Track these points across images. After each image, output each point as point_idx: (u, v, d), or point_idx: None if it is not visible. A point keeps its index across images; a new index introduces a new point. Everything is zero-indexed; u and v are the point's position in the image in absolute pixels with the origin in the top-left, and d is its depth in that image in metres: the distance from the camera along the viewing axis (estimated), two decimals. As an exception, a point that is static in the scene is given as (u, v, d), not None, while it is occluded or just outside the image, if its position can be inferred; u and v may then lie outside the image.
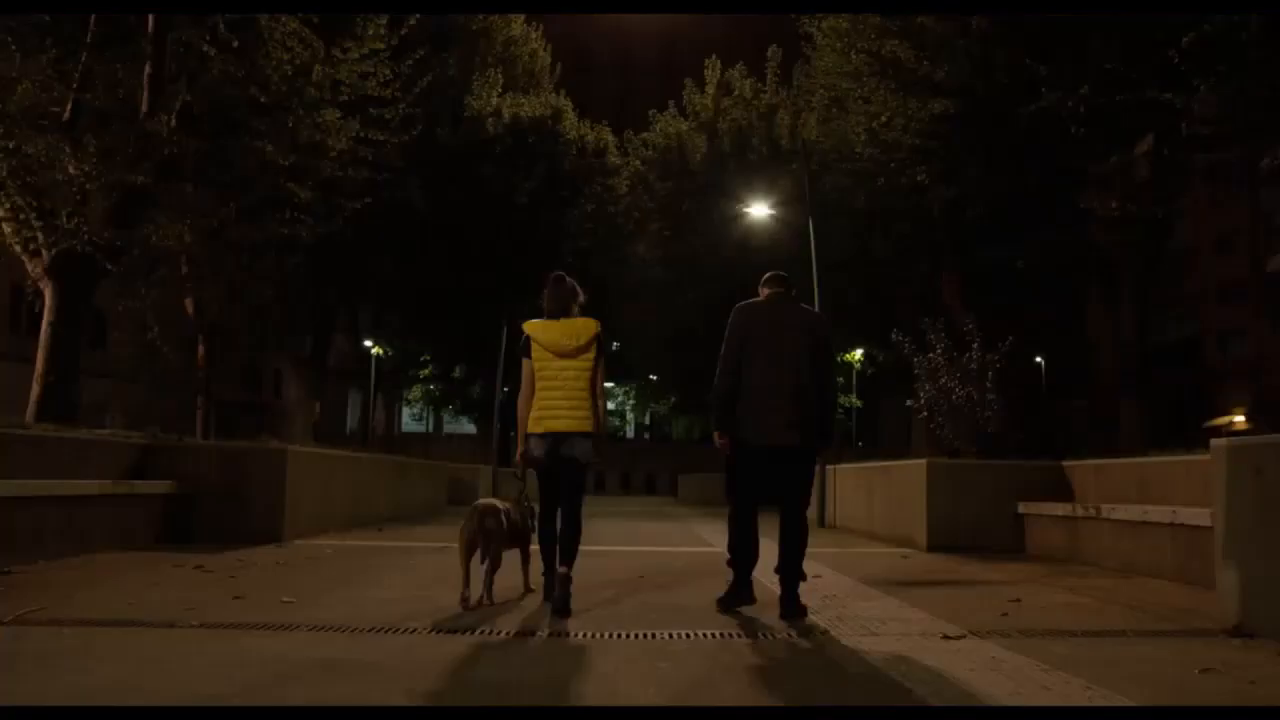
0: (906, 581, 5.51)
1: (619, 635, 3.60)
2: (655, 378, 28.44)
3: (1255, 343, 32.05)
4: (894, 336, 9.40)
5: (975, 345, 8.63)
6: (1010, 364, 9.35)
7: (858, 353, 23.99)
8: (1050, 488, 7.63)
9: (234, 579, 5.05)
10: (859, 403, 26.88)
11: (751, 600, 4.24)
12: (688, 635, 3.60)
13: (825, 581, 5.36)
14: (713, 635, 3.64)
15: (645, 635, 3.59)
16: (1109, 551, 6.23)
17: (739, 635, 3.66)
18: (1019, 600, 4.58)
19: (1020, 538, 7.59)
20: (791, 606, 4.01)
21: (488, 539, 4.25)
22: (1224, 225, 33.36)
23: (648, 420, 50.70)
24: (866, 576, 5.67)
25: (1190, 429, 27.03)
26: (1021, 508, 7.53)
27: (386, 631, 3.58)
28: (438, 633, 3.59)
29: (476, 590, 4.24)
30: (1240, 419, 29.36)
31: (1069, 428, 23.15)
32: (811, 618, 4.04)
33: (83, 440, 7.10)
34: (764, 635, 3.66)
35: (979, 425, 8.48)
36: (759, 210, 17.84)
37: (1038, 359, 23.26)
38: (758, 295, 4.44)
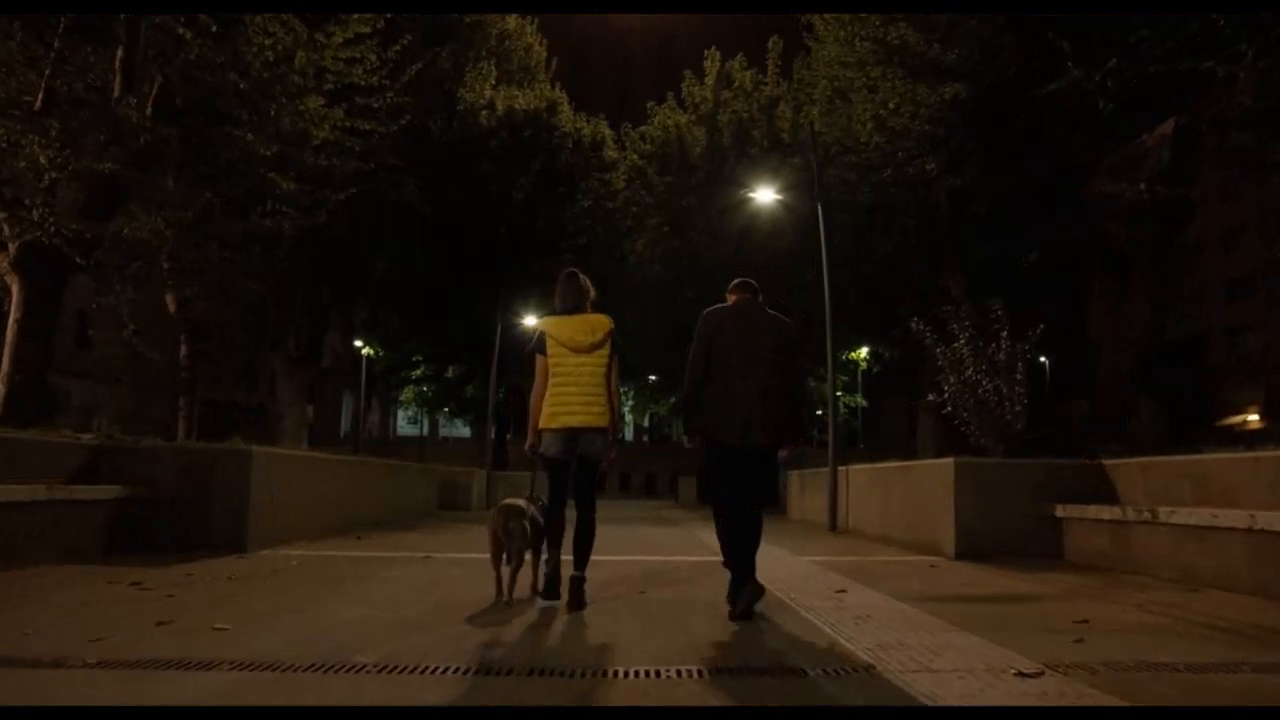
0: (944, 596, 4.83)
1: (617, 674, 2.92)
2: (655, 378, 27.71)
3: (1264, 340, 31.34)
4: (914, 325, 8.74)
5: (1004, 334, 7.97)
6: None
7: (863, 351, 23.30)
8: (1089, 489, 6.97)
9: (171, 599, 4.37)
10: (864, 403, 26.16)
11: (760, 592, 4.17)
12: (699, 673, 2.92)
13: (854, 598, 4.69)
14: (731, 671, 2.96)
15: (651, 673, 2.91)
16: (1166, 560, 5.55)
17: (763, 674, 2.98)
18: (1086, 621, 3.90)
19: (1057, 544, 6.92)
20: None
21: (511, 539, 4.28)
22: (1230, 220, 32.60)
23: (647, 422, 50.00)
24: (898, 591, 4.99)
25: (1193, 428, 26.35)
26: (1059, 511, 6.85)
27: (329, 669, 2.90)
28: (392, 670, 2.91)
29: (518, 586, 4.37)
30: (1254, 418, 28.68)
31: (1069, 428, 22.52)
32: (849, 646, 3.37)
33: (24, 441, 6.42)
34: (798, 673, 2.98)
35: (1007, 422, 7.81)
36: (764, 195, 17.17)
37: (1041, 358, 22.64)
38: (725, 301, 4.54)
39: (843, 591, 4.95)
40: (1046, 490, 7.08)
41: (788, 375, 4.31)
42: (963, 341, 8.17)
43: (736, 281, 4.58)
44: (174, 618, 3.78)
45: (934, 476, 7.57)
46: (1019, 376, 7.81)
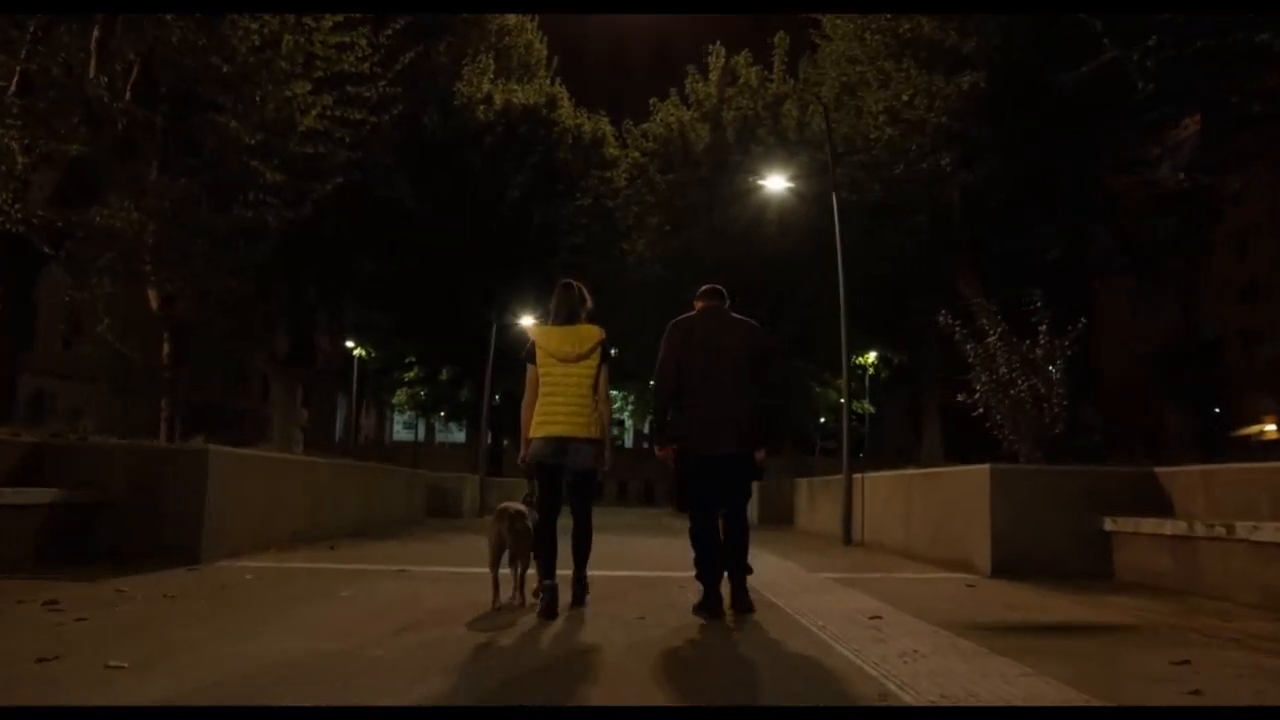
0: (999, 625, 4.12)
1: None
2: (653, 382, 26.95)
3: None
4: (941, 318, 8.03)
5: (1043, 329, 7.26)
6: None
7: (871, 355, 22.53)
8: (1138, 499, 6.27)
9: (80, 623, 3.65)
10: (871, 409, 25.38)
11: (721, 613, 4.25)
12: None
13: (892, 627, 3.97)
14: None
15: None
16: (1246, 582, 4.83)
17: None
18: (1188, 663, 3.18)
19: (1106, 561, 6.21)
20: (742, 601, 4.28)
21: (516, 541, 4.29)
22: (1243, 222, 31.57)
23: (647, 427, 49.21)
24: (938, 616, 4.28)
25: (1210, 436, 25.53)
26: (1109, 524, 6.14)
27: (229, 732, 2.19)
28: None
29: (506, 592, 4.38)
30: (1271, 428, 27.92)
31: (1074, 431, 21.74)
32: (906, 697, 2.65)
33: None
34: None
35: (1045, 425, 7.10)
36: (774, 182, 16.52)
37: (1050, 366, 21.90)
38: (692, 309, 4.62)
39: (877, 618, 4.23)
40: (1091, 500, 6.37)
41: (761, 380, 4.36)
42: (995, 336, 7.46)
43: (704, 289, 4.63)
44: (65, 651, 3.06)
45: (965, 485, 6.86)
46: (1058, 375, 7.11)
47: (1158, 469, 6.35)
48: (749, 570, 4.38)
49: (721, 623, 4.12)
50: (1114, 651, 3.48)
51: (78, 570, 5.33)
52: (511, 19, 27.13)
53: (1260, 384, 29.88)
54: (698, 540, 4.38)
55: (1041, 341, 7.24)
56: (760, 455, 4.38)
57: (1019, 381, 7.15)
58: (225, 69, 11.69)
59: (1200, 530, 5.15)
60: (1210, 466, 5.88)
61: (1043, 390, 7.08)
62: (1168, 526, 5.48)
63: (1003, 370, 7.23)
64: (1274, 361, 31.14)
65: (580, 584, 4.51)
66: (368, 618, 4.06)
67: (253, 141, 11.98)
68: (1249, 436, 27.25)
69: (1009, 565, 6.25)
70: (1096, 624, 4.22)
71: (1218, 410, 30.04)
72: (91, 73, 10.58)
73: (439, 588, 5.27)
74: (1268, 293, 31.65)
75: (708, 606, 4.22)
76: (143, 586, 4.83)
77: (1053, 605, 4.86)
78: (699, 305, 4.58)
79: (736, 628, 4.00)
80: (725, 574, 4.33)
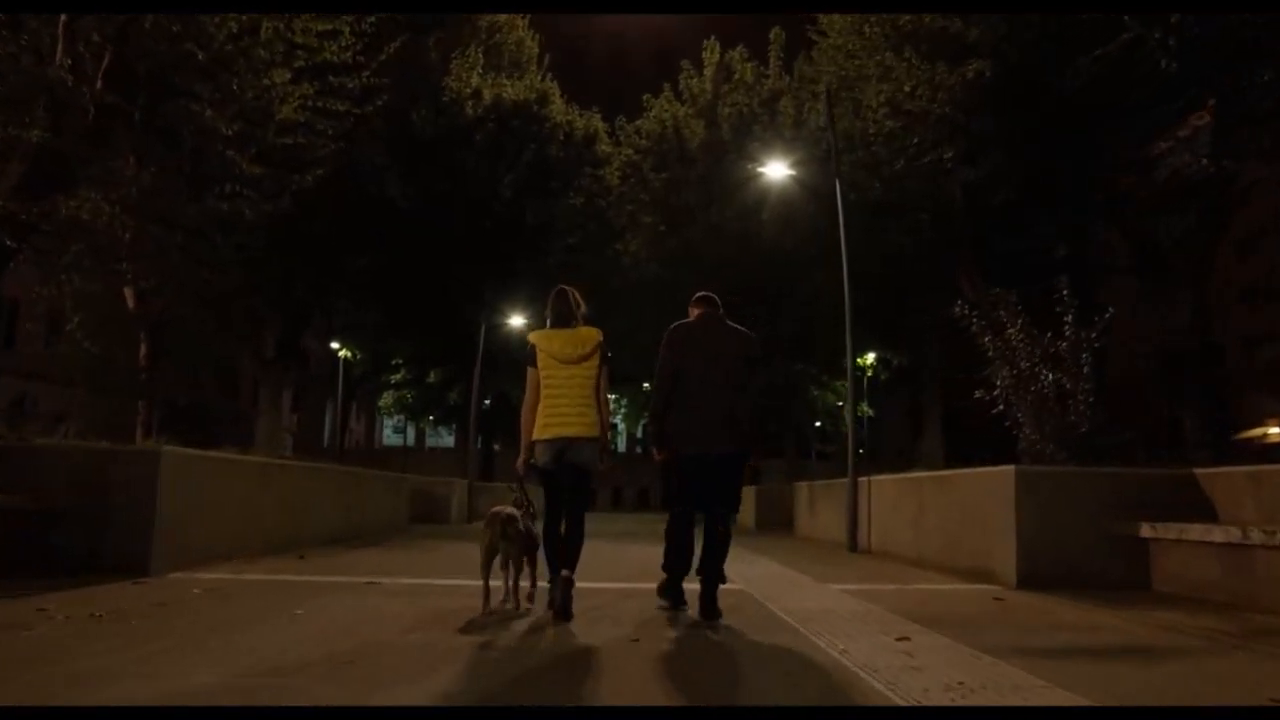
0: (1046, 648, 3.59)
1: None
2: (649, 385, 26.42)
3: (1282, 349, 30.04)
4: (958, 309, 7.53)
5: (1069, 319, 6.75)
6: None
7: (870, 356, 22.02)
8: (1176, 503, 5.78)
9: (-27, 651, 3.10)
10: (870, 412, 24.87)
11: (683, 604, 4.45)
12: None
13: (925, 651, 3.43)
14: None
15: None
16: (1313, 596, 4.33)
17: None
18: (1290, 698, 2.67)
19: (1142, 570, 5.70)
20: (711, 609, 4.22)
21: (509, 546, 4.29)
22: (1244, 222, 31.18)
23: (640, 432, 48.63)
24: (974, 637, 3.75)
25: (1214, 439, 25.06)
26: (1146, 530, 5.63)
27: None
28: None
29: (496, 599, 4.33)
30: (1275, 430, 27.50)
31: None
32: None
33: None
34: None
35: (1070, 423, 6.58)
36: (775, 170, 16.04)
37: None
38: (688, 316, 4.72)
39: (905, 639, 3.70)
40: (1124, 504, 5.87)
41: (750, 385, 4.50)
42: (1017, 328, 6.95)
43: (699, 295, 4.75)
44: (-68, 691, 2.51)
45: (986, 488, 6.34)
46: (1085, 370, 6.60)
47: (1197, 470, 5.86)
48: (723, 579, 4.36)
49: (717, 635, 3.60)
50: (1195, 683, 2.96)
51: (7, 584, 4.77)
52: (502, 16, 26.62)
53: (1261, 385, 29.48)
54: (674, 537, 4.44)
55: (1066, 333, 6.74)
56: (752, 462, 4.52)
57: (1041, 377, 6.64)
58: (201, 56, 11.16)
59: (1257, 537, 4.64)
60: (1260, 468, 5.38)
61: (1068, 386, 6.57)
62: (1217, 533, 4.97)
63: (1024, 365, 6.71)
64: (1275, 363, 30.79)
65: (568, 589, 4.21)
66: (308, 643, 3.48)
67: (229, 132, 11.45)
68: (1253, 439, 26.80)
69: (1036, 575, 5.75)
70: (1157, 646, 3.69)
71: (1219, 414, 29.52)
72: (58, 58, 10.07)
73: (407, 602, 4.73)
74: (1269, 293, 31.29)
75: (671, 596, 4.42)
76: (71, 604, 4.27)
77: (1099, 623, 4.33)
78: (695, 312, 4.69)
79: (745, 653, 3.47)
80: (700, 579, 4.35)
